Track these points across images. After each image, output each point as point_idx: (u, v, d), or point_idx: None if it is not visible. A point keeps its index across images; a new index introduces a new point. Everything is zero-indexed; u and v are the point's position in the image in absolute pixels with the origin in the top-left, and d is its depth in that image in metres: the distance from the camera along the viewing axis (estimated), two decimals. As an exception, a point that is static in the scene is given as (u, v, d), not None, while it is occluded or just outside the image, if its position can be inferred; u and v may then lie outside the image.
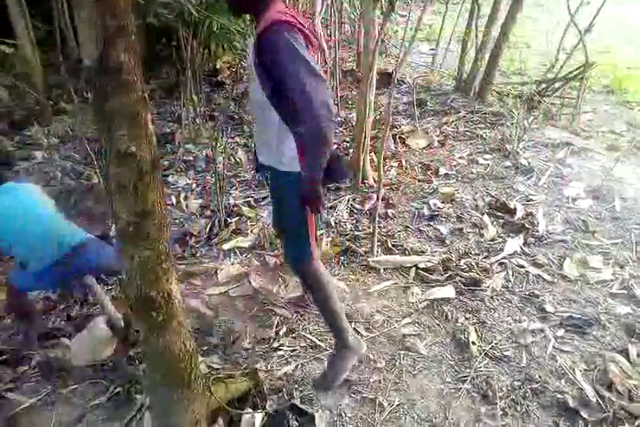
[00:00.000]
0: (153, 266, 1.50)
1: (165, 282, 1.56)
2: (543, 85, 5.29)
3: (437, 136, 4.55)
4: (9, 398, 1.94)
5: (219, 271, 2.74)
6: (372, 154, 4.00)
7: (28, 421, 1.85)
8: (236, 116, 4.98)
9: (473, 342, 2.18)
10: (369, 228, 3.12)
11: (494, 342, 2.20)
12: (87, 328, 2.18)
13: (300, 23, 1.61)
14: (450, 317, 2.37)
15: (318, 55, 5.10)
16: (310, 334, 2.30)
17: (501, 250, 2.84)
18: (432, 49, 7.64)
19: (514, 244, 2.88)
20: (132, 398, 1.94)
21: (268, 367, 2.10)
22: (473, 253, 2.85)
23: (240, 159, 4.13)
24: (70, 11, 5.92)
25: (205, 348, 2.18)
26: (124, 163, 1.34)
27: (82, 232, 2.23)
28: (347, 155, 4.21)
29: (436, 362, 2.13)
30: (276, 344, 2.26)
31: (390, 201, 3.43)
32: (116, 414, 1.88)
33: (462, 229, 3.10)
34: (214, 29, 5.72)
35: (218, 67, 6.43)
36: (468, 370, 2.06)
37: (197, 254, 2.94)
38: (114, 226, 2.47)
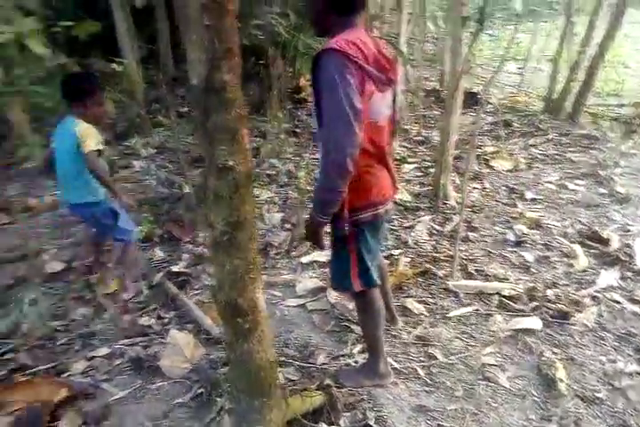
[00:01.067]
0: (242, 275, 1.57)
1: (252, 291, 1.62)
2: (644, 108, 4.97)
3: (524, 158, 4.39)
4: (104, 388, 2.09)
5: (297, 284, 2.80)
6: (454, 174, 3.93)
7: (118, 411, 1.98)
8: (319, 133, 5.10)
9: (560, 380, 2.05)
10: (449, 250, 3.06)
11: (584, 381, 2.06)
12: (167, 345, 2.27)
13: (361, 53, 1.51)
14: (535, 350, 2.25)
15: (401, 73, 5.14)
16: (387, 355, 2.27)
17: (594, 282, 2.67)
18: (520, 68, 7.43)
19: (608, 276, 2.69)
20: (212, 400, 2.01)
21: (343, 384, 2.10)
22: (561, 283, 2.71)
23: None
24: (171, 33, 6.41)
25: (282, 359, 2.22)
26: (222, 176, 1.42)
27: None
28: (428, 174, 4.18)
29: (519, 397, 2.03)
30: (350, 361, 2.26)
31: (472, 224, 3.35)
32: (198, 414, 1.96)
33: (549, 257, 2.95)
34: (300, 49, 5.96)
35: (301, 84, 6.64)
36: (554, 409, 1.94)
37: (277, 266, 3.02)
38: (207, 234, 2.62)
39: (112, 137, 4.92)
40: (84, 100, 2.43)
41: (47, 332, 2.43)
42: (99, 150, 2.46)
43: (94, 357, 2.26)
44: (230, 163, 1.40)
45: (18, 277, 2.88)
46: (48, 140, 4.58)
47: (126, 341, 2.37)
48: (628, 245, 2.95)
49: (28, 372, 2.19)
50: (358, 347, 2.34)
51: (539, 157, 4.44)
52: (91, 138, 2.41)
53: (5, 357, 2.29)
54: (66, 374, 2.17)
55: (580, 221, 3.32)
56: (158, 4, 5.79)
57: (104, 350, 2.30)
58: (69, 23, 4.04)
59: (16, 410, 1.94)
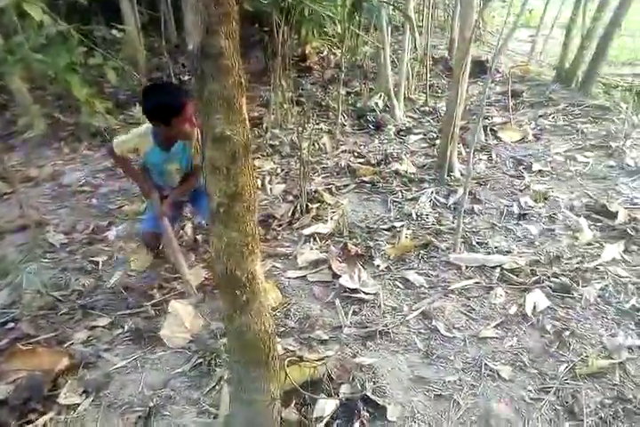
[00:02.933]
0: (240, 246, 1.54)
1: (250, 262, 1.60)
2: (659, 78, 4.80)
3: (532, 129, 4.29)
4: (105, 357, 2.11)
5: (298, 256, 2.79)
6: (460, 145, 3.85)
7: (119, 380, 2.00)
8: (323, 103, 4.99)
9: (560, 353, 2.05)
10: (452, 223, 3.02)
11: (585, 354, 2.05)
12: (168, 315, 2.28)
13: None
14: (537, 323, 2.24)
15: (409, 41, 4.97)
16: (386, 327, 2.26)
17: (598, 256, 2.63)
18: (531, 36, 7.19)
19: (613, 250, 2.65)
20: (211, 370, 2.03)
21: (342, 355, 2.11)
22: (565, 257, 2.67)
23: (324, 146, 4.14)
24: (173, -2, 6.22)
25: (282, 329, 2.23)
26: (219, 146, 1.38)
27: None
28: (433, 145, 4.10)
29: (519, 369, 2.03)
30: (348, 332, 2.26)
31: (477, 196, 3.29)
32: (197, 383, 1.98)
33: (554, 230, 2.91)
34: (305, 15, 5.76)
35: (307, 52, 6.46)
36: (553, 381, 1.94)
37: (279, 237, 3.00)
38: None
39: (113, 106, 4.85)
40: (168, 121, 2.08)
41: (49, 302, 2.45)
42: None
43: (95, 326, 2.28)
44: (227, 132, 1.35)
45: (19, 248, 2.89)
46: (49, 109, 4.51)
47: (127, 311, 2.39)
48: (635, 219, 2.89)
49: (30, 341, 2.21)
50: (357, 318, 2.34)
51: (548, 127, 4.33)
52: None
53: (8, 326, 2.31)
54: (67, 344, 2.20)
55: (587, 194, 3.25)
56: (158, -32, 5.58)
57: (105, 321, 2.32)
58: (69, -12, 3.90)
59: (17, 379, 1.97)
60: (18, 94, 4.64)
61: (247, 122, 1.40)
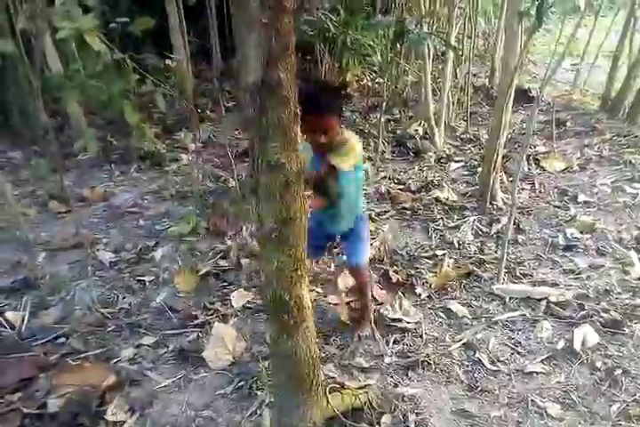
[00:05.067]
0: (289, 271, 1.57)
1: (299, 287, 1.62)
2: None
3: (577, 159, 4.21)
4: (150, 376, 2.15)
5: (339, 281, 2.79)
6: (502, 174, 3.82)
7: (164, 399, 2.04)
8: (363, 130, 5.06)
9: (612, 392, 1.97)
10: (495, 252, 2.97)
11: (638, 395, 1.96)
12: (211, 337, 2.31)
13: None
14: (586, 359, 2.16)
15: (450, 69, 5.02)
16: (428, 357, 2.23)
17: (651, 292, 2.53)
18: (574, 65, 7.12)
19: (667, 286, 2.55)
20: (253, 393, 2.04)
21: (383, 384, 2.09)
22: (615, 291, 2.58)
23: (364, 172, 4.17)
24: (220, 29, 6.52)
25: (323, 355, 2.23)
26: (273, 173, 1.43)
27: None
28: (475, 173, 4.08)
29: (568, 407, 1.95)
30: (389, 361, 2.24)
31: (520, 226, 3.24)
32: (239, 406, 1.99)
33: (603, 263, 2.82)
34: (348, 44, 5.94)
35: (347, 80, 6.61)
36: (605, 421, 1.86)
37: (319, 262, 3.02)
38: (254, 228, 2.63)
39: (161, 131, 5.06)
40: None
41: (98, 319, 2.53)
42: None
43: (141, 345, 2.34)
44: (282, 160, 1.40)
45: (71, 265, 3.01)
46: (102, 132, 4.74)
47: (171, 331, 2.44)
48: (690, 254, 2.79)
49: (78, 357, 2.28)
50: (398, 347, 2.32)
51: (593, 157, 4.25)
52: None
53: (59, 341, 2.40)
54: (114, 361, 2.25)
55: (637, 227, 3.15)
56: (208, 1, 5.88)
57: (150, 339, 2.37)
58: (125, 19, 4.17)
59: (67, 393, 2.03)
60: (73, 118, 4.92)
61: (300, 150, 1.46)
